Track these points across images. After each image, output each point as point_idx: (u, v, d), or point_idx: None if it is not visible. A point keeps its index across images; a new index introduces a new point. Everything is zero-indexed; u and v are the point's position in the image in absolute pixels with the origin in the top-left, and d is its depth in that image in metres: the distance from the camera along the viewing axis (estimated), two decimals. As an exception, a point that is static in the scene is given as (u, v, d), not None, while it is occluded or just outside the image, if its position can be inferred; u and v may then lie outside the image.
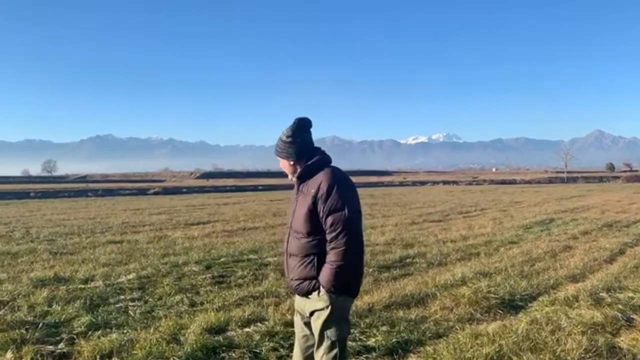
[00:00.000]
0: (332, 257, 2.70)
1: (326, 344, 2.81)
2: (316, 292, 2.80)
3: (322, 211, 2.71)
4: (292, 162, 2.89)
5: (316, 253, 2.78)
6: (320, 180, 2.76)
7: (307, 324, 2.99)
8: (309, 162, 2.85)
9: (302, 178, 2.88)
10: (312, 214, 2.74)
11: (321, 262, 2.76)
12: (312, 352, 3.00)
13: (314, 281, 2.79)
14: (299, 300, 3.01)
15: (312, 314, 2.88)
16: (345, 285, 2.75)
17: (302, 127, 2.87)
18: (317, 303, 2.81)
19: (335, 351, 2.82)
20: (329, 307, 2.77)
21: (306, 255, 2.80)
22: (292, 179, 2.96)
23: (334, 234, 2.69)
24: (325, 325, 2.80)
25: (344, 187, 2.76)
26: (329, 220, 2.69)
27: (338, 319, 2.82)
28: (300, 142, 2.85)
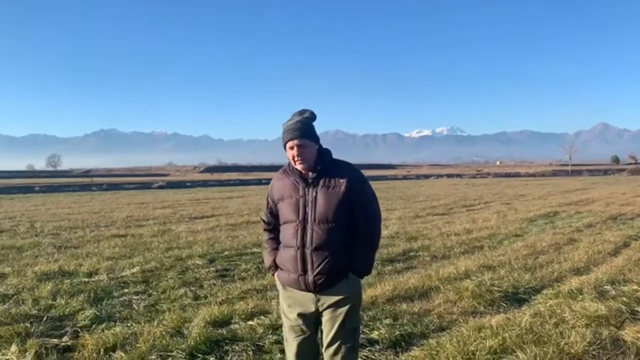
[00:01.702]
0: (369, 242, 2.82)
1: (345, 333, 2.74)
2: (343, 281, 2.75)
3: (359, 200, 2.78)
4: (317, 147, 2.81)
5: (348, 242, 2.78)
6: (349, 172, 2.80)
7: (312, 323, 2.85)
8: (329, 156, 2.84)
9: (325, 170, 2.78)
10: (345, 205, 2.73)
11: (350, 250, 2.79)
12: (317, 349, 2.89)
13: (342, 272, 2.75)
14: (304, 300, 2.83)
15: (328, 306, 2.77)
16: (372, 268, 2.89)
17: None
18: (343, 292, 2.75)
19: (353, 340, 2.77)
20: (357, 295, 2.84)
21: (339, 247, 2.74)
22: (302, 167, 2.78)
23: (371, 221, 2.82)
24: (348, 314, 2.74)
25: (367, 179, 2.90)
26: (368, 209, 2.81)
27: (359, 306, 2.88)
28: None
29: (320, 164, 2.78)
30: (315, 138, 2.78)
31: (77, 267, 7.31)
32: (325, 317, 2.79)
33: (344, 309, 2.74)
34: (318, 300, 2.79)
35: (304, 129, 2.73)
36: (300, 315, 2.84)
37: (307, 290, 2.78)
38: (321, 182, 2.77)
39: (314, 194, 2.76)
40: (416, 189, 33.72)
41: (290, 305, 2.88)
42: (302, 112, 2.83)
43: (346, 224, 2.75)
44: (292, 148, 2.74)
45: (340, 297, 2.75)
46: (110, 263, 7.61)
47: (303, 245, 2.75)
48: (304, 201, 2.77)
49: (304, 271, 2.75)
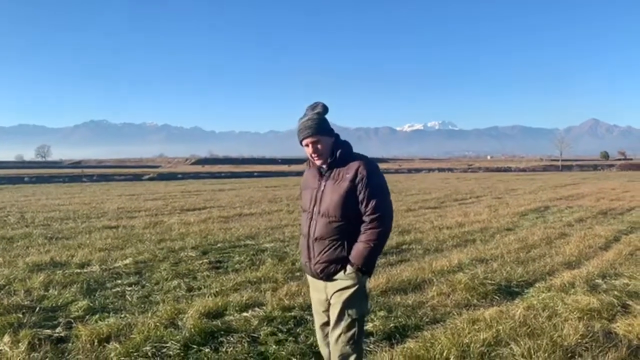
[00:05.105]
0: (369, 236, 2.78)
1: (345, 322, 2.85)
2: (342, 272, 2.85)
3: (363, 194, 2.78)
4: (333, 140, 2.89)
5: (347, 236, 2.83)
6: (357, 166, 2.81)
7: (327, 308, 3.01)
8: (343, 150, 2.87)
9: (335, 164, 2.87)
10: (349, 199, 2.80)
11: (351, 244, 2.83)
12: None
13: (340, 263, 2.84)
14: (317, 286, 3.02)
15: (333, 295, 2.91)
16: (373, 263, 2.87)
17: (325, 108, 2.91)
18: (343, 282, 2.85)
19: (354, 330, 2.86)
20: (356, 285, 2.84)
21: (337, 239, 2.84)
22: (320, 162, 2.89)
23: (374, 215, 2.78)
24: (347, 303, 2.85)
25: (381, 173, 2.89)
26: (372, 202, 2.78)
27: (361, 297, 2.88)
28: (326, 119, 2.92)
29: (332, 158, 2.87)
30: (329, 132, 2.87)
31: (69, 258, 7.26)
32: (331, 304, 2.94)
33: (344, 299, 2.85)
34: (326, 288, 2.95)
35: (316, 125, 2.82)
36: (317, 299, 3.06)
37: (314, 276, 2.97)
38: (331, 175, 2.88)
39: (323, 187, 2.89)
40: (408, 183, 33.79)
41: (311, 289, 3.12)
42: (314, 107, 2.89)
43: (351, 218, 2.83)
44: (307, 145, 2.86)
45: (341, 287, 2.87)
46: (103, 254, 7.56)
47: (309, 234, 2.93)
48: (317, 193, 2.92)
49: (309, 259, 2.95)
